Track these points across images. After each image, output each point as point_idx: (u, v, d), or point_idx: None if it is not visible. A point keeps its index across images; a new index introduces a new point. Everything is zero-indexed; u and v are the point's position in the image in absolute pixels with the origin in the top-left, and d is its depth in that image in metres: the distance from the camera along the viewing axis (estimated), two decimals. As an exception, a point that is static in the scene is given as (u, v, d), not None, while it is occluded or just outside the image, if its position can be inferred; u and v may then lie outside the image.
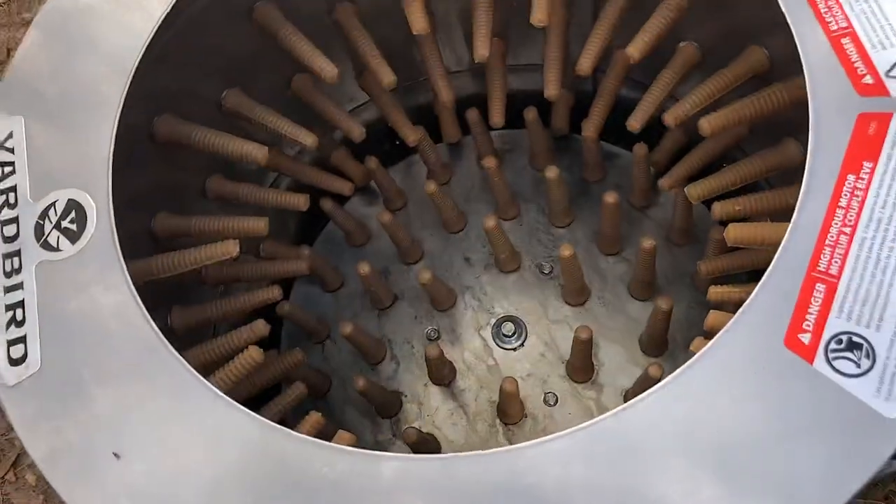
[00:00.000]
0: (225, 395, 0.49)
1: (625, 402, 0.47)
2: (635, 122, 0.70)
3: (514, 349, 0.82)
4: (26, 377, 0.51)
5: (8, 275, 0.54)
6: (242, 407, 0.48)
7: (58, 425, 0.49)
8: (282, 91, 0.78)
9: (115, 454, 0.48)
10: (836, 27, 0.52)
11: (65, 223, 0.55)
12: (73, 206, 0.55)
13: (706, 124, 0.63)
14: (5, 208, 0.56)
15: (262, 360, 0.61)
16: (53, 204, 0.56)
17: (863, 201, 0.46)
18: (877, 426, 0.42)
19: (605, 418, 0.45)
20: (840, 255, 0.46)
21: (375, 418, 0.81)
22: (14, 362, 0.51)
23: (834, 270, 0.45)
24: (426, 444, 0.74)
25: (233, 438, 0.48)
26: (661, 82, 0.71)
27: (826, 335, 0.44)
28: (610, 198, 0.75)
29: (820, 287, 0.45)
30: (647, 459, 0.44)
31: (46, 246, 0.55)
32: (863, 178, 0.47)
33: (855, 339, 0.44)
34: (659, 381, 0.46)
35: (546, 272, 0.84)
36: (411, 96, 0.88)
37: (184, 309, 0.69)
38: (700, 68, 0.71)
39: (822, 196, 0.48)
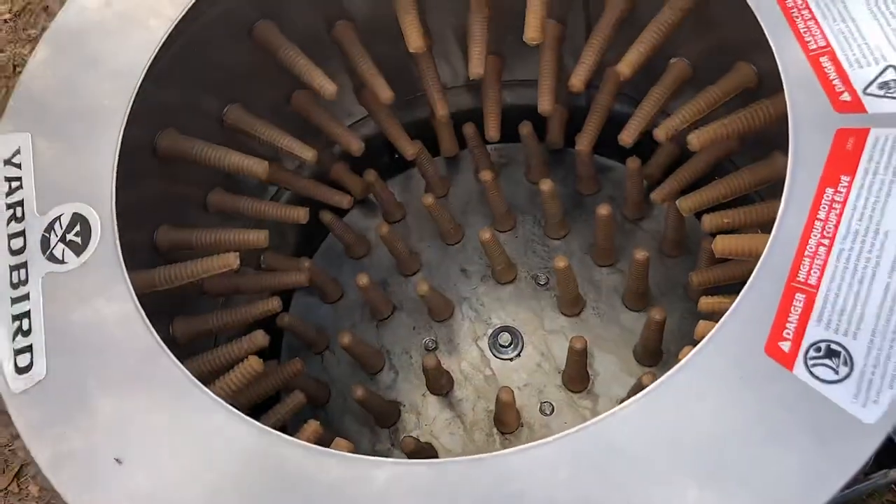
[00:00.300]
0: (225, 403, 0.50)
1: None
2: (627, 137, 0.72)
3: (511, 359, 0.83)
4: (32, 385, 0.52)
5: (15, 286, 0.55)
6: (241, 413, 0.50)
7: (62, 432, 0.50)
8: (282, 107, 0.80)
9: (117, 460, 0.49)
10: (814, 46, 0.53)
11: (70, 236, 0.56)
12: (78, 219, 0.57)
13: (695, 139, 0.64)
14: (12, 222, 0.58)
15: (261, 369, 0.62)
16: (59, 217, 0.57)
17: (840, 214, 0.48)
18: (855, 431, 0.44)
19: (591, 424, 0.46)
20: (819, 265, 0.47)
21: (374, 428, 0.82)
22: (21, 371, 0.53)
23: (813, 281, 0.47)
24: (424, 453, 0.75)
25: (231, 445, 0.49)
26: (652, 97, 0.72)
27: (805, 343, 0.46)
28: (603, 210, 0.76)
29: (799, 297, 0.47)
30: (632, 464, 0.45)
31: (52, 258, 0.56)
32: (841, 192, 0.48)
33: (833, 346, 0.45)
34: (654, 390, 0.47)
35: (542, 283, 0.86)
36: (409, 111, 0.90)
37: (185, 320, 0.71)
38: (691, 84, 0.73)
39: (801, 209, 0.49)
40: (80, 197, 0.58)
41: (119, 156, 0.60)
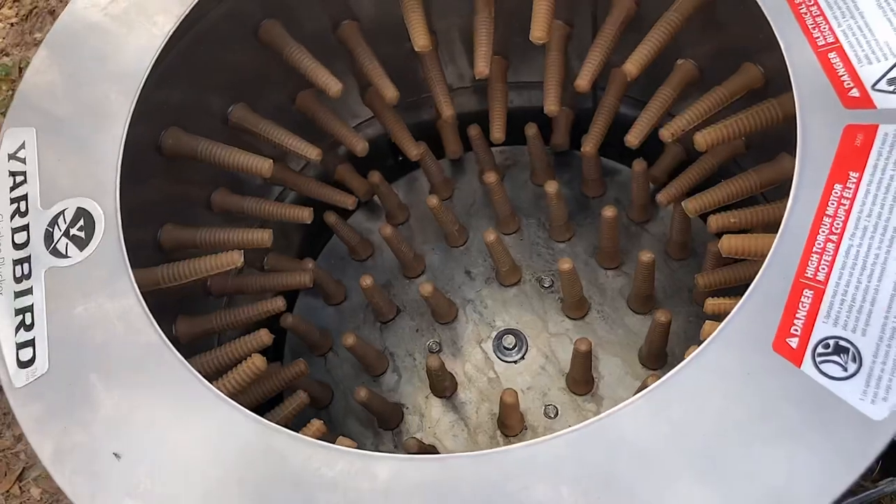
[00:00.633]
0: (227, 398, 0.50)
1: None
2: (633, 138, 0.71)
3: (515, 362, 0.83)
4: (34, 379, 0.52)
5: (18, 280, 0.55)
6: (243, 408, 0.50)
7: (64, 426, 0.50)
8: (287, 106, 0.80)
9: (116, 454, 0.49)
10: (823, 42, 0.53)
11: (73, 231, 0.56)
12: (82, 214, 0.57)
13: (701, 139, 0.64)
14: (16, 216, 0.57)
15: (265, 367, 0.62)
16: (63, 212, 0.57)
17: (849, 210, 0.48)
18: (863, 428, 0.43)
19: (597, 420, 0.46)
20: (827, 262, 0.47)
21: (377, 430, 0.82)
22: (23, 365, 0.52)
23: (821, 277, 0.47)
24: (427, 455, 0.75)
25: (234, 439, 0.49)
26: (658, 99, 0.72)
27: (813, 339, 0.45)
28: (609, 212, 0.76)
29: (807, 293, 0.46)
30: (639, 460, 0.45)
31: (55, 253, 0.56)
32: (849, 188, 0.48)
33: (842, 343, 0.45)
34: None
35: (546, 286, 0.85)
36: (414, 113, 0.90)
37: (188, 319, 0.70)
38: (697, 85, 0.73)
39: (809, 205, 0.49)
40: (84, 192, 0.58)
41: (123, 152, 0.60)
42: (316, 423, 0.63)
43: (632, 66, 0.68)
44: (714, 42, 0.70)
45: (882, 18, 0.53)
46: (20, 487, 1.16)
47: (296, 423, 0.70)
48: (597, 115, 0.80)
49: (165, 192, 0.70)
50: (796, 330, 0.46)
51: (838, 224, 0.47)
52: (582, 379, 0.78)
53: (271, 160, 0.69)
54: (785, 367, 0.45)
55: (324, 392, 0.83)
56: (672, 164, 0.83)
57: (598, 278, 0.85)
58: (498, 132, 0.83)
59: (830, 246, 0.47)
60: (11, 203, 0.58)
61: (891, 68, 0.51)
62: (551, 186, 0.79)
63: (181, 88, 0.68)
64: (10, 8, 1.41)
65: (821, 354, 0.45)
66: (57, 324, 0.54)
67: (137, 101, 0.62)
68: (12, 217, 0.58)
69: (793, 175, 0.63)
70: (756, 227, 0.65)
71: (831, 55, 0.52)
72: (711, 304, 0.65)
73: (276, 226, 0.77)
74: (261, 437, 0.49)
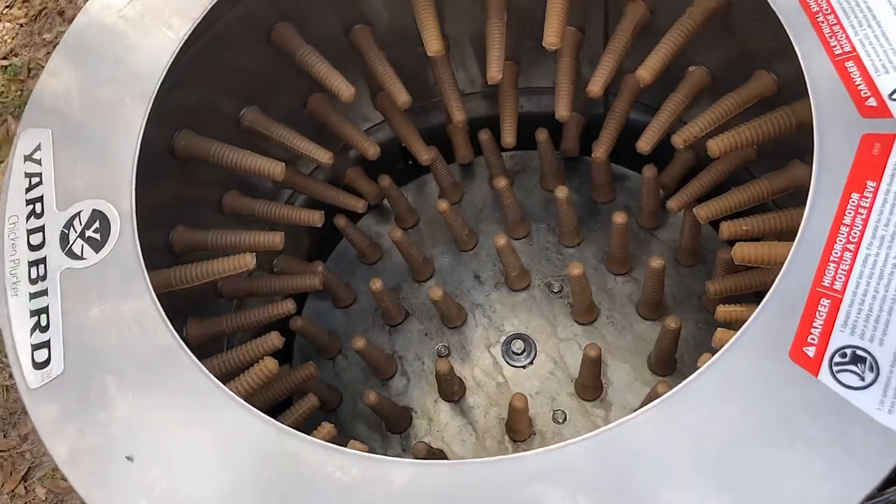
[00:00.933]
0: (241, 400, 0.50)
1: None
2: (644, 144, 0.71)
3: (524, 367, 0.83)
4: (49, 380, 0.52)
5: (33, 281, 0.55)
6: (258, 411, 0.50)
7: (79, 428, 0.50)
8: (299, 110, 0.80)
9: (128, 457, 0.49)
10: (840, 51, 0.53)
11: (89, 232, 0.56)
12: (98, 216, 0.57)
13: (715, 146, 0.64)
14: (32, 217, 0.57)
15: (276, 370, 0.62)
16: (78, 214, 0.57)
17: (866, 219, 0.48)
18: (880, 438, 0.43)
19: (612, 427, 0.46)
20: (844, 271, 0.47)
21: (385, 433, 0.82)
22: (38, 366, 0.52)
23: (838, 286, 0.47)
24: (435, 459, 0.75)
25: (248, 442, 0.49)
26: (670, 105, 0.72)
27: (830, 348, 0.45)
28: (619, 218, 0.76)
29: (824, 302, 0.46)
30: (654, 467, 0.45)
31: (71, 254, 0.56)
32: (867, 197, 0.48)
33: (859, 352, 0.45)
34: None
35: (555, 291, 0.85)
36: (425, 117, 0.90)
37: (199, 321, 0.71)
38: (709, 92, 0.73)
39: (826, 214, 0.49)
40: (100, 194, 0.58)
41: (139, 154, 0.60)
42: (326, 427, 0.64)
43: (645, 72, 0.68)
44: (727, 49, 0.70)
45: (900, 28, 0.53)
46: (25, 487, 1.16)
47: (305, 427, 0.70)
48: (608, 120, 0.81)
49: (177, 194, 0.70)
50: (813, 339, 0.46)
51: (855, 233, 0.48)
52: (591, 384, 0.78)
53: (283, 163, 0.69)
54: (802, 376, 0.45)
55: (332, 395, 0.83)
56: (682, 171, 0.83)
57: (608, 284, 0.85)
58: (509, 136, 0.84)
59: (847, 255, 0.47)
60: (27, 204, 0.58)
61: (908, 78, 0.51)
62: (561, 192, 0.79)
63: (195, 91, 0.68)
64: (20, 8, 1.41)
65: (838, 364, 0.45)
66: (72, 325, 0.54)
67: (153, 104, 0.62)
68: (28, 218, 0.58)
69: (804, 182, 0.63)
70: (768, 234, 0.65)
71: (848, 64, 0.52)
72: (723, 311, 0.65)
73: (286, 228, 0.78)
74: (275, 441, 0.49)
